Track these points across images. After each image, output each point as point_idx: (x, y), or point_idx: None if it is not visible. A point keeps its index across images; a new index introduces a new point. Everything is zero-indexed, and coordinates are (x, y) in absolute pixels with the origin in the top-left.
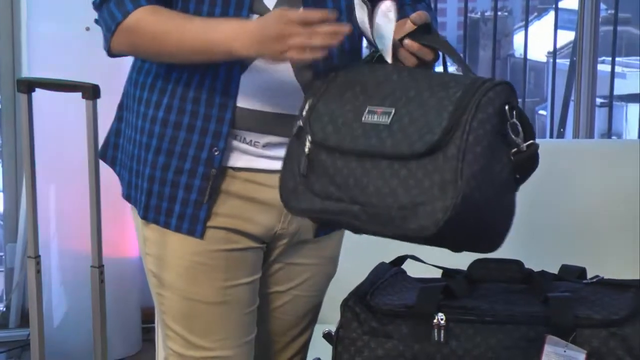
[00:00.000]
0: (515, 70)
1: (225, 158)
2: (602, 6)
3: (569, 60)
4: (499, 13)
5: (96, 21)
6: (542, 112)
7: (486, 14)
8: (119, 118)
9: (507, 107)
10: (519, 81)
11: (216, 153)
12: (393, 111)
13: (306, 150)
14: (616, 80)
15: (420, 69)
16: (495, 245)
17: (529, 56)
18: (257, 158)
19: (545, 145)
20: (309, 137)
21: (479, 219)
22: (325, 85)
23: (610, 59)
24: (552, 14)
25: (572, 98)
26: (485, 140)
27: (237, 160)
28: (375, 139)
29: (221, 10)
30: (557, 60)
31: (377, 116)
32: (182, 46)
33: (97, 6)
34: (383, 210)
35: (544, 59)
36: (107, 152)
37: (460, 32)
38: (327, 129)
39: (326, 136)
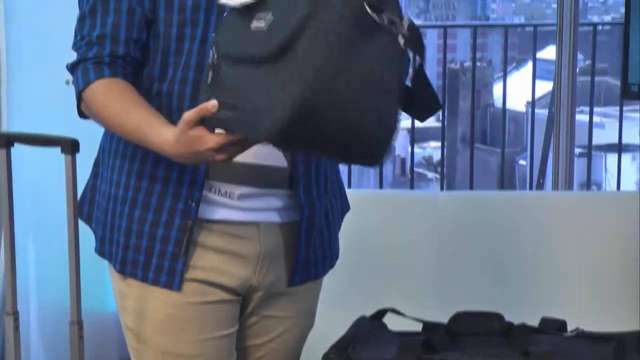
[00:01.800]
0: (494, 120)
1: (201, 210)
2: (580, 57)
3: (547, 110)
4: (478, 63)
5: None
6: (522, 162)
7: (465, 64)
8: (94, 174)
9: (367, 5)
10: (499, 131)
11: (192, 204)
12: (270, 15)
13: (213, 60)
14: (595, 130)
15: None
16: (374, 155)
17: (508, 106)
18: (233, 210)
19: (525, 198)
20: (213, 50)
21: (333, 121)
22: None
23: (588, 108)
24: (530, 64)
25: (551, 148)
26: (337, 36)
27: (213, 212)
28: (251, 45)
29: (197, 62)
30: (536, 110)
31: (257, 22)
32: (124, 135)
33: (70, 70)
34: (242, 114)
35: (524, 109)
36: (83, 208)
37: (439, 82)
38: (229, 40)
39: (225, 47)
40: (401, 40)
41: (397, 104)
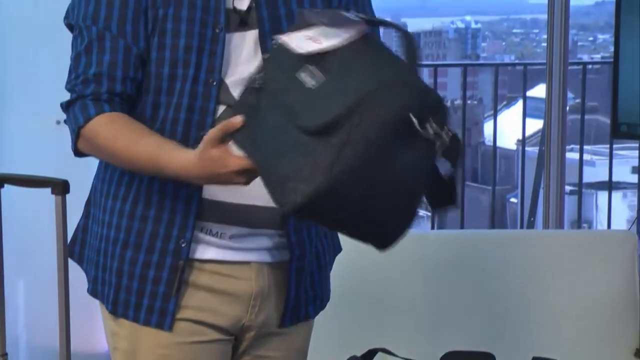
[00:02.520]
0: (485, 158)
1: (192, 250)
2: (570, 95)
3: (538, 148)
4: (469, 102)
5: (65, 121)
6: (513, 199)
7: (456, 102)
8: (86, 215)
9: (412, 115)
10: (490, 169)
11: (183, 245)
12: (322, 77)
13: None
14: (585, 168)
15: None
16: (383, 244)
17: (499, 144)
18: (224, 250)
19: (516, 236)
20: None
21: (352, 212)
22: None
23: (578, 146)
24: (521, 102)
25: (542, 186)
26: (376, 139)
27: (204, 252)
28: (298, 102)
29: (188, 101)
30: (527, 148)
31: (307, 75)
32: (134, 165)
33: (64, 108)
34: (267, 164)
35: (514, 147)
36: (74, 249)
37: None
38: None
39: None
40: (439, 150)
41: (419, 204)
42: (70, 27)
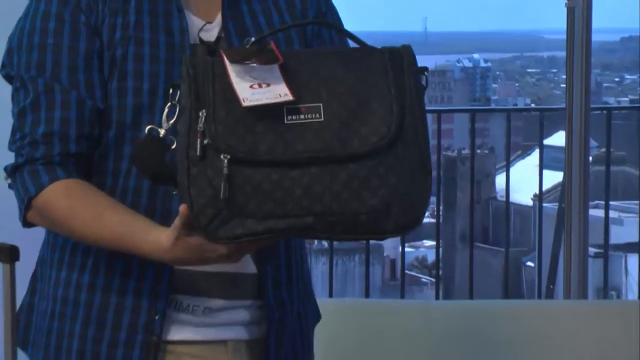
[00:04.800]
0: (498, 215)
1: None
2: (593, 143)
3: (557, 204)
4: (479, 151)
5: (10, 186)
6: (529, 263)
7: (464, 152)
8: (31, 291)
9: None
10: (502, 228)
11: (156, 317)
12: (321, 105)
13: (224, 170)
14: (612, 227)
15: (311, 50)
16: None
17: (513, 200)
18: (197, 328)
19: (533, 307)
20: (225, 156)
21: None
22: (211, 87)
23: (603, 202)
24: (537, 152)
25: (562, 248)
26: (423, 111)
27: (175, 331)
28: (316, 142)
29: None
30: (545, 205)
31: (303, 115)
32: (97, 244)
33: (10, 173)
34: (348, 217)
35: (530, 203)
36: (17, 331)
37: (434, 173)
38: (247, 141)
39: (250, 149)
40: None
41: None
42: (9, 78)
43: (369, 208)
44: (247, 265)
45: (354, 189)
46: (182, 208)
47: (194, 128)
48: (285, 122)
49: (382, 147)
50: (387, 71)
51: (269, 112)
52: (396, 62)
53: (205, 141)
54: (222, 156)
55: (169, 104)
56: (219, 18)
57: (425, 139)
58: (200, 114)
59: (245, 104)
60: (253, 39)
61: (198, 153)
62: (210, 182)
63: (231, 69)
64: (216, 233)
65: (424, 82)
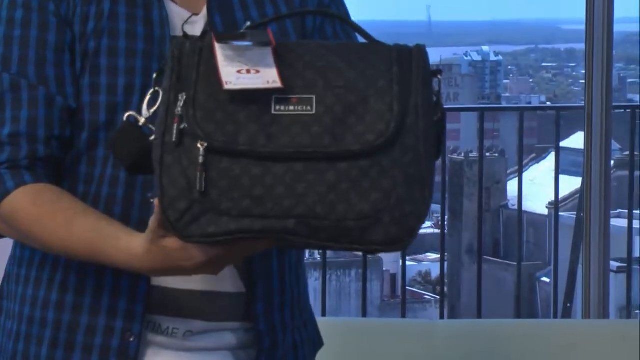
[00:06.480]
0: (509, 225)
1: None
2: (615, 146)
3: (575, 213)
4: (488, 154)
5: None
6: (544, 279)
7: (471, 155)
8: None
9: (437, 78)
10: (514, 240)
11: (131, 339)
12: (314, 98)
13: (200, 159)
14: (636, 239)
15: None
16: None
17: (526, 208)
18: (177, 352)
19: (549, 328)
20: (202, 143)
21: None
22: (196, 69)
23: (627, 211)
24: (553, 155)
25: (581, 262)
26: (430, 119)
27: (153, 356)
28: (303, 136)
29: (127, 175)
30: (561, 213)
31: (293, 106)
32: (67, 254)
33: None
34: (333, 222)
35: (545, 212)
36: None
37: (438, 177)
38: (227, 129)
39: (229, 138)
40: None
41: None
42: None
43: (357, 214)
44: (234, 283)
45: (341, 191)
46: (157, 202)
47: (171, 111)
48: (273, 112)
49: (378, 147)
50: (392, 69)
51: (256, 100)
52: (404, 60)
53: (182, 126)
54: (198, 144)
55: (152, 90)
56: (205, 10)
57: (430, 146)
58: (180, 96)
59: (226, 86)
60: (248, 24)
61: (174, 139)
62: (184, 171)
63: (220, 52)
64: (187, 230)
65: (435, 86)
